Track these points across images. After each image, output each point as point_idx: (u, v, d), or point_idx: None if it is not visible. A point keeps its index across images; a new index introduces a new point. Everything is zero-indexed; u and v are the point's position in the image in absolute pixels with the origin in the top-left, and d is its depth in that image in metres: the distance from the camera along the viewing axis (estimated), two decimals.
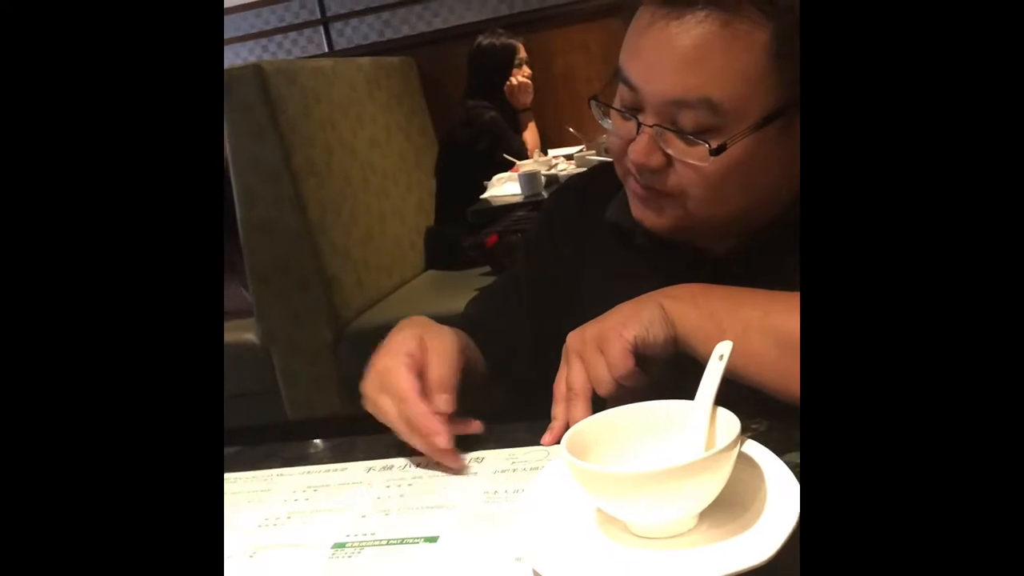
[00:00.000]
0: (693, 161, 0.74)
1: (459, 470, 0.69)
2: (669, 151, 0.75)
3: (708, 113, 0.72)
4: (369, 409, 0.74)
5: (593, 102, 0.82)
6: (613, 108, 0.80)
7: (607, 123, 0.82)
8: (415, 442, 0.71)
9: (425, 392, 0.71)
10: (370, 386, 0.74)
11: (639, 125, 0.76)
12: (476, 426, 0.74)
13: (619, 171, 0.83)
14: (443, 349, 0.74)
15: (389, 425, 0.72)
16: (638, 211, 0.81)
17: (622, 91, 0.78)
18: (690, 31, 0.72)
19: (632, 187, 0.81)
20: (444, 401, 0.71)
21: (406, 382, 0.71)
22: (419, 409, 0.69)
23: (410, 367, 0.72)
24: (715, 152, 0.73)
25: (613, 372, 0.67)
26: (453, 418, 0.72)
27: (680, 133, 0.74)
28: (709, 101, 0.72)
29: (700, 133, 0.73)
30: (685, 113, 0.73)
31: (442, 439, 0.68)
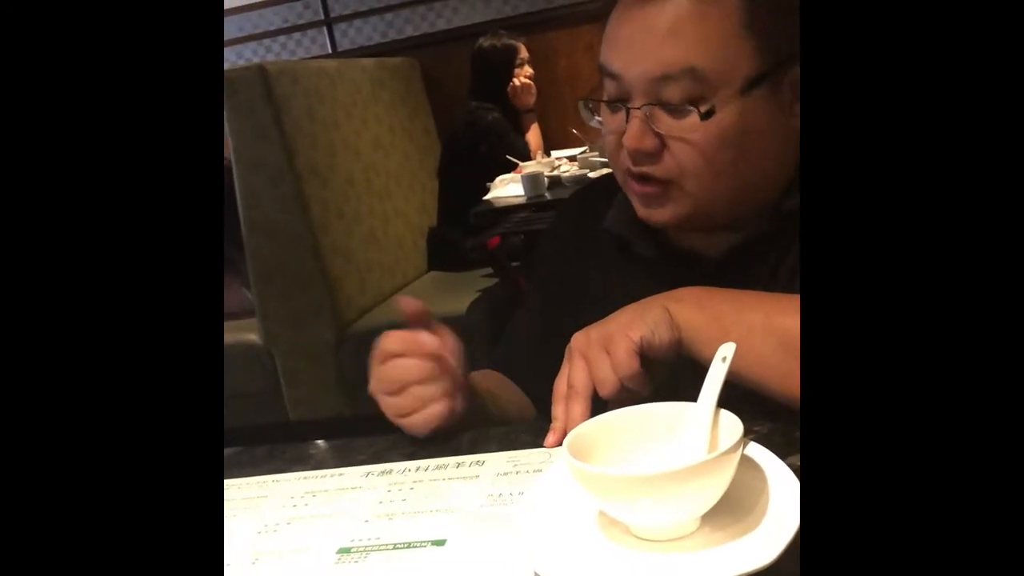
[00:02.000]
0: (685, 134, 0.76)
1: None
2: (660, 130, 0.77)
3: (692, 83, 0.75)
4: (374, 389, 0.75)
5: (581, 103, 0.85)
6: (601, 101, 0.82)
7: (596, 122, 0.84)
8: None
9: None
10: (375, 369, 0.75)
11: (628, 112, 0.78)
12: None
13: (618, 176, 0.84)
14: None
15: (387, 374, 0.74)
16: (641, 211, 0.83)
17: (607, 85, 0.81)
18: (665, 10, 0.75)
19: (632, 187, 0.82)
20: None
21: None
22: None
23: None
24: (705, 116, 0.75)
25: (618, 372, 0.67)
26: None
27: (669, 107, 0.76)
28: (692, 70, 0.75)
29: (687, 104, 0.76)
30: (670, 87, 0.76)
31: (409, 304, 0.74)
